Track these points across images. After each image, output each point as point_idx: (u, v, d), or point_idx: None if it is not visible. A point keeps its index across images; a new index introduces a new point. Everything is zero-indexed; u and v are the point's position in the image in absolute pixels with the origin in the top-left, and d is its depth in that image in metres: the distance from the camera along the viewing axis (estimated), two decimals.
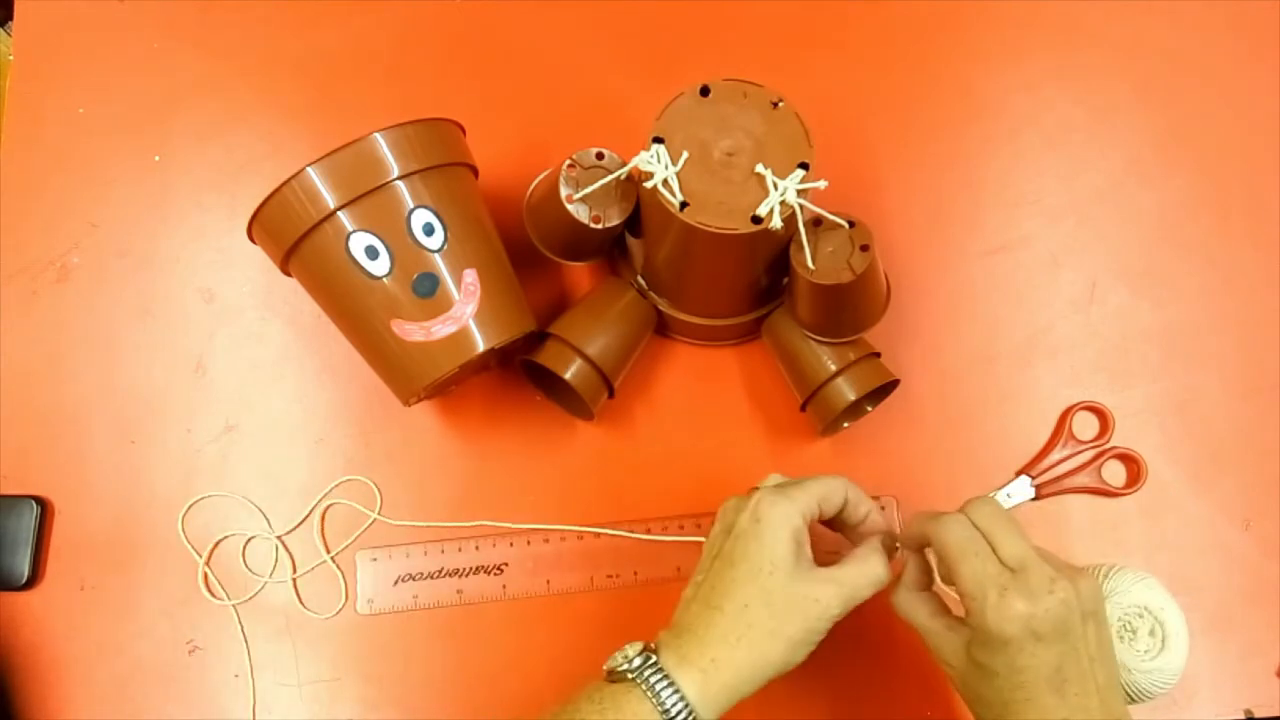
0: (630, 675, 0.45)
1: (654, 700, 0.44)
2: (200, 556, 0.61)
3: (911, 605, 0.49)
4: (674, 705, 0.44)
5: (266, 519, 0.62)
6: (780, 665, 0.46)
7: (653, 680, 0.44)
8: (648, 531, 0.62)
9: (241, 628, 0.60)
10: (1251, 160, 0.71)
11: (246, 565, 0.61)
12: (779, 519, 0.47)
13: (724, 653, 0.45)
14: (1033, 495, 0.62)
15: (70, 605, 0.60)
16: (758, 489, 0.49)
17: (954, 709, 0.60)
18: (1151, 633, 0.55)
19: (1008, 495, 0.62)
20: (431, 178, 0.54)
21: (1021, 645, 0.43)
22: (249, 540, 0.62)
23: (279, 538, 0.61)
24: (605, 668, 0.47)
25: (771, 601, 0.46)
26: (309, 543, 0.62)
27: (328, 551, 0.61)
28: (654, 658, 0.46)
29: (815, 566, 0.47)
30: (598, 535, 0.62)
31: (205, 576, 0.61)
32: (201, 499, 0.62)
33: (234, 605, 0.60)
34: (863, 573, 0.47)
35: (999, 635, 0.43)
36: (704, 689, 0.45)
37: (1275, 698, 0.60)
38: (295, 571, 0.61)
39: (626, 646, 0.46)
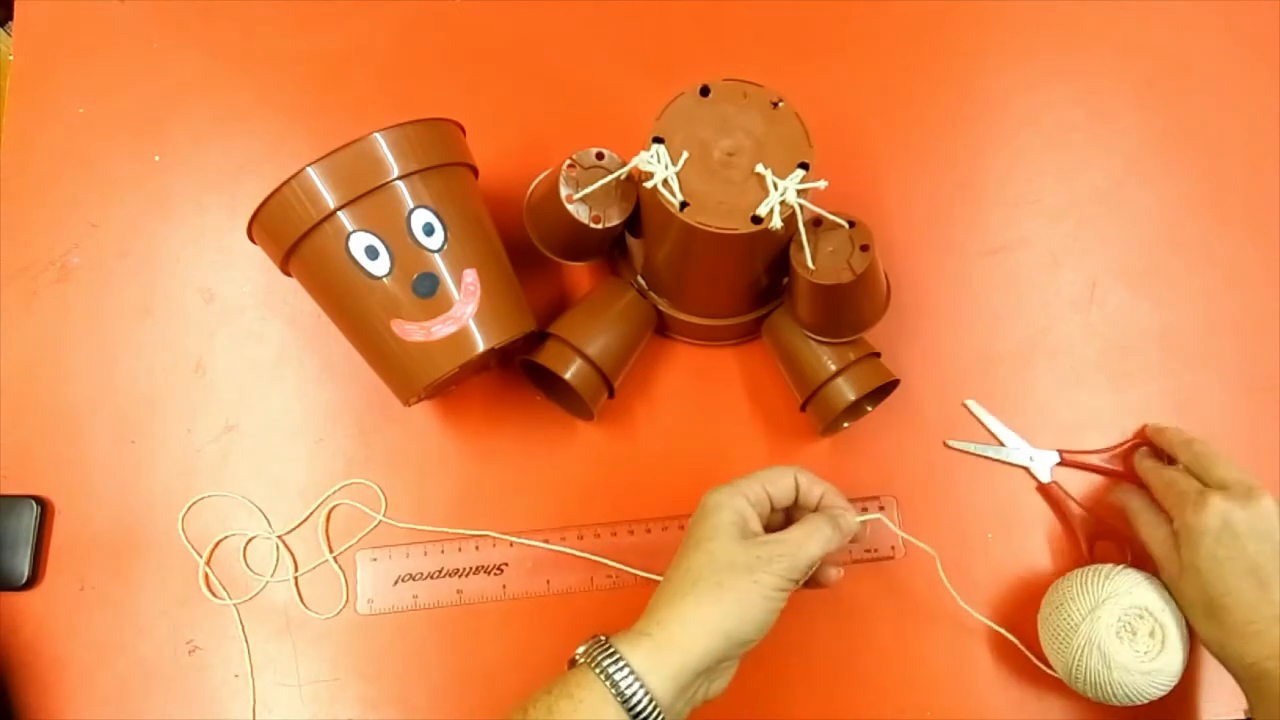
0: (580, 659, 0.45)
1: (602, 677, 0.43)
2: (200, 556, 0.61)
3: (1145, 523, 0.57)
4: (622, 679, 0.43)
5: (267, 519, 0.62)
6: (733, 625, 0.45)
7: (601, 659, 0.44)
8: (648, 532, 0.62)
9: (242, 627, 0.60)
10: (1251, 160, 0.71)
11: (248, 565, 0.61)
12: (721, 500, 0.49)
13: (669, 612, 0.46)
14: (1058, 460, 0.63)
15: (70, 605, 0.60)
16: None
17: (953, 710, 0.60)
18: (1151, 634, 0.55)
19: (1030, 459, 0.63)
20: (431, 178, 0.54)
21: (1219, 538, 0.51)
22: (250, 540, 0.62)
23: (280, 537, 0.61)
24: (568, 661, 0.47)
25: (714, 561, 0.46)
26: (310, 542, 0.62)
27: (330, 551, 0.61)
28: (606, 640, 0.45)
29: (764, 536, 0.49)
30: (599, 535, 0.62)
31: (206, 577, 0.61)
32: (202, 499, 0.62)
33: (235, 605, 0.60)
34: (806, 533, 0.48)
35: (1198, 528, 0.51)
36: (651, 655, 0.44)
37: None
38: (297, 570, 0.61)
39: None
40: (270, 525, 0.62)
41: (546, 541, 0.62)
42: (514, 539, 0.62)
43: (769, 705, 0.59)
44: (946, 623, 0.61)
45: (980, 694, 0.60)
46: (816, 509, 0.51)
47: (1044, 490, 0.63)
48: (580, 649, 0.46)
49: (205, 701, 0.59)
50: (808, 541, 0.48)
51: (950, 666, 0.60)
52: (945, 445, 0.64)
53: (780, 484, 0.51)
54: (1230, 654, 0.51)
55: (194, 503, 0.62)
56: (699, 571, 0.46)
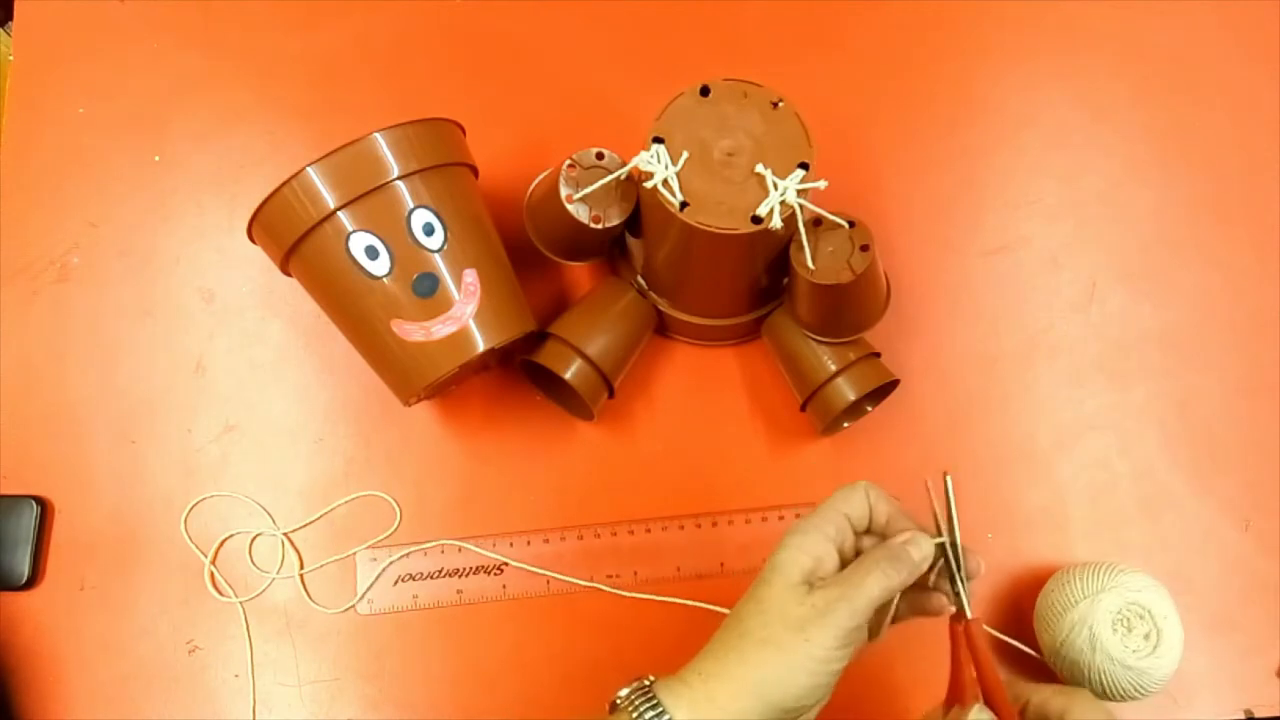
0: (621, 704, 0.43)
1: None
2: (205, 556, 0.61)
3: None
4: None
5: (271, 517, 0.62)
6: (774, 691, 0.40)
7: (640, 705, 0.41)
8: (648, 532, 0.62)
9: (247, 625, 0.60)
10: (1251, 160, 0.71)
11: (253, 562, 0.61)
12: (792, 542, 0.43)
13: (714, 665, 0.42)
14: None
15: (70, 605, 0.60)
16: None
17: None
18: (1146, 636, 0.54)
19: None
20: (431, 178, 0.54)
21: None
22: (255, 537, 0.61)
23: (285, 535, 0.61)
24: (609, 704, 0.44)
25: (765, 610, 0.42)
26: (311, 542, 0.62)
27: (340, 553, 0.61)
28: (648, 685, 0.43)
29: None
30: (599, 535, 0.62)
31: (212, 575, 0.61)
32: (205, 499, 0.62)
33: (241, 602, 0.60)
34: (864, 571, 0.42)
35: None
36: (693, 706, 0.40)
37: (1275, 698, 0.60)
38: (303, 568, 0.61)
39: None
40: (275, 523, 0.62)
41: (547, 541, 0.62)
42: (542, 572, 0.62)
43: None
44: (946, 621, 0.61)
45: None
46: (884, 533, 0.45)
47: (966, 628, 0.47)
48: (623, 691, 0.43)
49: (205, 701, 0.59)
50: (865, 582, 0.41)
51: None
52: None
53: (855, 505, 0.45)
54: None
55: (196, 503, 0.62)
56: (748, 623, 0.41)
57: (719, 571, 0.61)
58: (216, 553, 0.61)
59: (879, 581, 0.41)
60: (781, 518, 0.62)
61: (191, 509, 0.62)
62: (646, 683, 0.43)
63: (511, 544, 0.62)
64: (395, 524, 0.62)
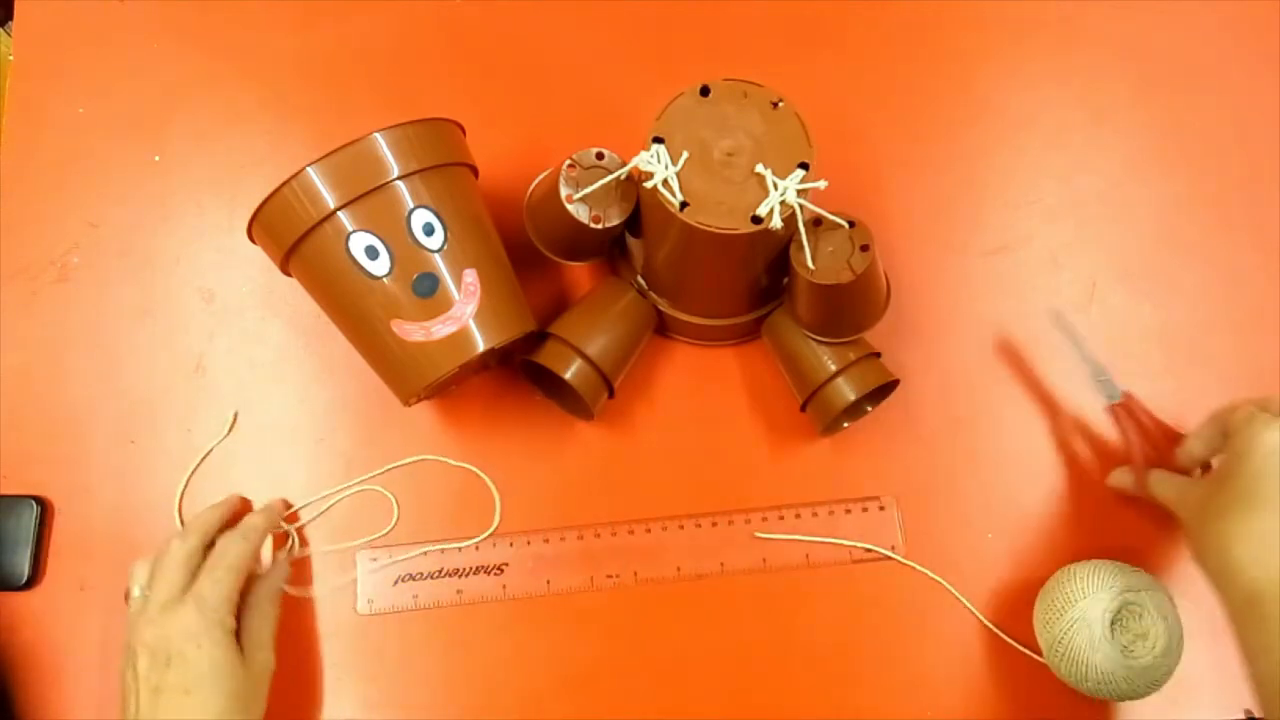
0: None
1: None
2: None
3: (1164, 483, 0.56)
4: None
5: None
6: None
7: None
8: (648, 532, 0.62)
9: None
10: (1251, 160, 0.71)
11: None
12: None
13: None
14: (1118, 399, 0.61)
15: (70, 605, 0.60)
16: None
17: (953, 709, 0.60)
18: (1145, 636, 0.54)
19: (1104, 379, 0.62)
20: (431, 178, 0.54)
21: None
22: None
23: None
24: None
25: None
26: (311, 542, 0.62)
27: (339, 554, 0.61)
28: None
29: None
30: (599, 535, 0.62)
31: None
32: (205, 499, 0.62)
33: None
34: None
35: (1248, 446, 0.49)
36: None
37: None
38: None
39: None
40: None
41: (547, 541, 0.62)
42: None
43: (768, 704, 0.59)
44: (946, 621, 0.61)
45: (981, 693, 0.60)
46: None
47: (1115, 409, 0.61)
48: None
49: None
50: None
51: (950, 665, 0.60)
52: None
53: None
54: (1231, 563, 0.47)
55: (194, 501, 0.62)
56: None
57: (719, 571, 0.61)
58: None
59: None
60: (781, 518, 0.62)
61: (189, 508, 0.62)
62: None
63: (511, 544, 0.62)
64: (395, 524, 0.62)
